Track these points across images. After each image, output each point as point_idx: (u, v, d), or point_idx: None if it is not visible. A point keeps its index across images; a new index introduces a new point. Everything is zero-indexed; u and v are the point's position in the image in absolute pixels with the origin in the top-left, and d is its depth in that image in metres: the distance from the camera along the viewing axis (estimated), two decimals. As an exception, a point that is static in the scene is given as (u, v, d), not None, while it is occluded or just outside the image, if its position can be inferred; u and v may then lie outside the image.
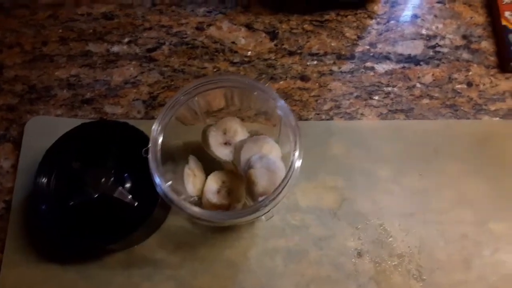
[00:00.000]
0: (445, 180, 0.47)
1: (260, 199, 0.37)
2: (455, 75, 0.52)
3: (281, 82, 0.52)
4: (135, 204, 0.41)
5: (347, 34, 0.54)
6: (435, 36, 0.54)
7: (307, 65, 0.52)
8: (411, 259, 0.44)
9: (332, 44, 0.53)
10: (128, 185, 0.42)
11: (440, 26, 0.54)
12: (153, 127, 0.37)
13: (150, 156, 0.36)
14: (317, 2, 0.55)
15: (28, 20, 0.55)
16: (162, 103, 0.50)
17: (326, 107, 0.50)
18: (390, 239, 0.45)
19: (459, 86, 0.52)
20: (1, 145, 0.49)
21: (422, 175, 0.47)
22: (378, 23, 0.55)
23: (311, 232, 0.45)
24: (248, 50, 0.53)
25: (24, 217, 0.45)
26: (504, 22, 0.52)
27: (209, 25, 0.54)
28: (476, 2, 0.55)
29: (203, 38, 0.54)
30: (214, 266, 0.44)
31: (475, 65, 0.52)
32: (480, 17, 0.55)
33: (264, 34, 0.54)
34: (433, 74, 0.52)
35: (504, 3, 0.53)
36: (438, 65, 0.52)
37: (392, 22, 0.55)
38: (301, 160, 0.36)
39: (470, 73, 0.52)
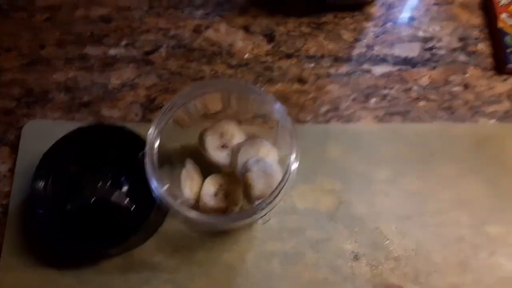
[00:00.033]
0: (442, 183, 0.47)
1: (257, 202, 0.37)
2: (452, 77, 0.52)
3: (278, 85, 0.52)
4: (132, 208, 0.41)
5: (344, 37, 0.54)
6: (431, 38, 0.54)
7: (304, 67, 0.52)
8: (408, 262, 0.44)
9: (329, 47, 0.53)
10: (125, 188, 0.42)
11: (437, 28, 0.54)
12: (150, 130, 0.37)
13: (146, 159, 0.36)
14: (315, 4, 0.55)
15: (25, 23, 0.55)
16: (159, 106, 0.50)
17: (323, 109, 0.51)
18: (387, 242, 0.45)
19: (455, 88, 0.52)
20: (-2, 148, 0.49)
21: (419, 178, 0.47)
22: (375, 26, 0.55)
23: (308, 235, 0.45)
24: (246, 53, 0.53)
25: (21, 221, 0.45)
26: (500, 25, 0.52)
27: (207, 27, 0.54)
28: (472, 4, 0.55)
29: (200, 40, 0.54)
30: (211, 270, 0.44)
31: (471, 67, 0.52)
32: (476, 19, 0.55)
33: (261, 37, 0.54)
34: (429, 77, 0.52)
35: (500, 5, 0.53)
36: (434, 67, 0.52)
37: (389, 24, 0.55)
38: (298, 163, 0.36)
39: (467, 75, 0.52)
